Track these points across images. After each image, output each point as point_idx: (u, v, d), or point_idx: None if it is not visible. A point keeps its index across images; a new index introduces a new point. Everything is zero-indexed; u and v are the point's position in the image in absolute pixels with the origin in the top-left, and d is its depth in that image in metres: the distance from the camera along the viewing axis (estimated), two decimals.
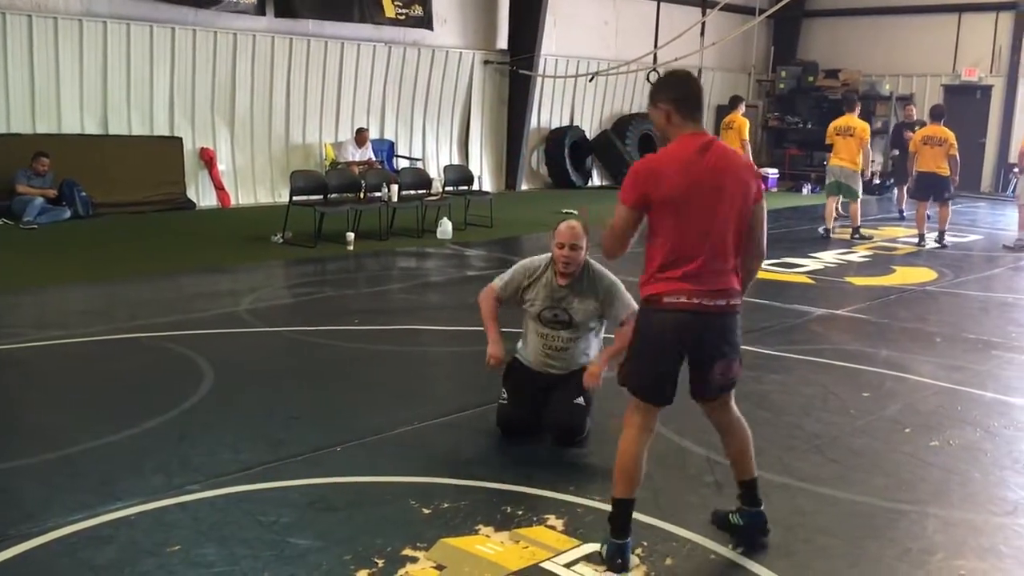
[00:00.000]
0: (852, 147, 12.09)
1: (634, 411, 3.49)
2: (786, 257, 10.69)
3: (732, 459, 3.70)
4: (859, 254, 11.09)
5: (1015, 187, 13.83)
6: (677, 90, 3.42)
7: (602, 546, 3.48)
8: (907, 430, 5.07)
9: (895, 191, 16.08)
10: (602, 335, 4.83)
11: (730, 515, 3.73)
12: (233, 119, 13.86)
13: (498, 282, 4.78)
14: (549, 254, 4.65)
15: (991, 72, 19.50)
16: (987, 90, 19.63)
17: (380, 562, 3.42)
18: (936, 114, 12.20)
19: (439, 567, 3.41)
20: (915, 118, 15.30)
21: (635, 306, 4.25)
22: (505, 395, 4.76)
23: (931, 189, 12.06)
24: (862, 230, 12.41)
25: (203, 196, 13.55)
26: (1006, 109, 19.42)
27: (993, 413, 5.42)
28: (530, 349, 4.76)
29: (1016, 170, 13.92)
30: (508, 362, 4.77)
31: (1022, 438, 5.03)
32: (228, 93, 13.72)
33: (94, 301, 7.86)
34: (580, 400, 4.61)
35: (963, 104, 19.21)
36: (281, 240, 10.65)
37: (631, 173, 3.41)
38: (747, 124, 14.01)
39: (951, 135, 11.94)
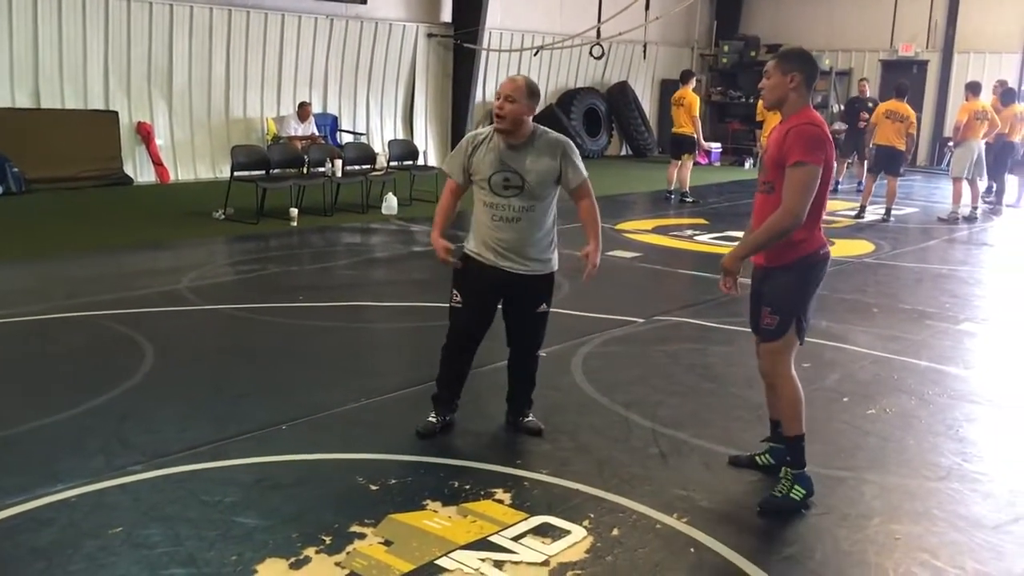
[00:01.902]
0: None
1: (789, 355, 3.87)
2: (728, 231, 10.84)
3: (768, 403, 4.18)
4: None
5: (950, 160, 14.16)
6: (812, 67, 3.82)
7: (796, 486, 3.81)
8: (845, 399, 5.19)
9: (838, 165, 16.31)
10: (555, 212, 4.37)
11: (758, 456, 4.19)
12: (171, 92, 13.56)
13: (447, 165, 4.42)
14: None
15: (927, 47, 19.88)
16: (923, 65, 20.02)
17: (328, 539, 3.42)
18: (900, 91, 12.35)
19: (387, 543, 3.41)
20: (868, 94, 15.49)
21: (586, 174, 4.33)
22: (459, 297, 4.36)
23: (886, 163, 12.27)
24: None
25: (141, 171, 13.27)
26: (941, 84, 19.83)
27: (927, 381, 5.58)
28: (480, 231, 4.30)
29: (951, 144, 14.24)
30: (460, 258, 4.37)
31: (955, 405, 5.18)
32: (165, 66, 13.41)
33: (29, 279, 7.66)
34: (544, 307, 4.42)
35: (900, 79, 19.53)
36: (222, 216, 10.48)
37: (811, 135, 3.66)
38: (698, 100, 13.42)
39: (913, 113, 12.17)
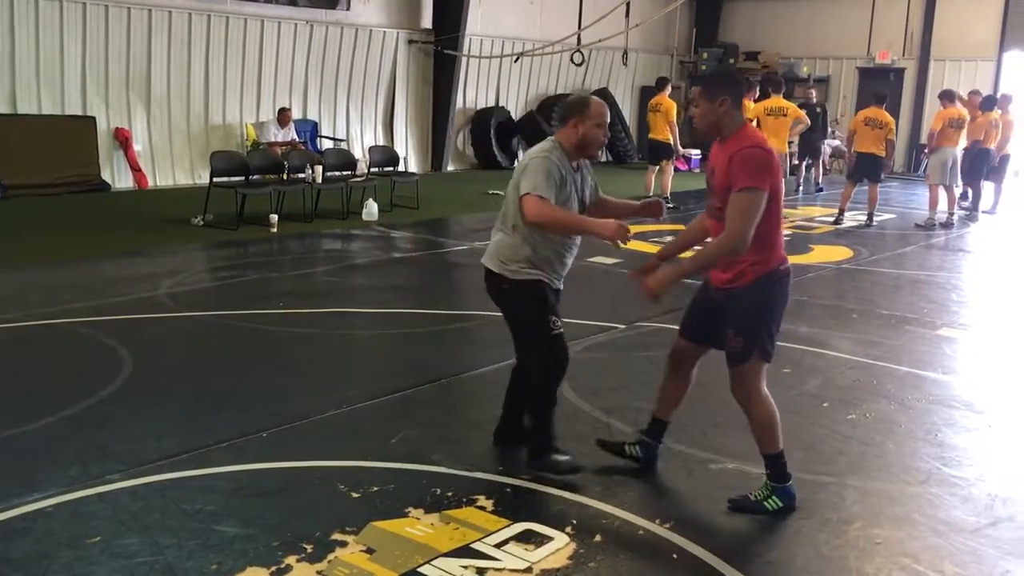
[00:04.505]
0: (785, 127, 12.54)
1: (759, 376, 3.85)
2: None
3: (659, 397, 4.24)
4: None
5: (926, 167, 14.30)
6: (738, 86, 3.79)
7: (772, 497, 3.81)
8: (826, 404, 5.21)
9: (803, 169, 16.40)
10: None
11: (628, 446, 4.22)
12: (149, 98, 13.48)
13: (544, 191, 3.93)
14: (549, 141, 4.15)
15: (904, 55, 20.06)
16: (900, 73, 20.19)
17: (309, 547, 3.39)
18: (879, 98, 12.48)
19: (369, 551, 3.39)
20: (815, 100, 15.81)
21: None
22: (559, 323, 4.22)
23: (867, 170, 12.37)
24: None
25: (119, 178, 13.17)
26: (918, 91, 20.01)
27: (907, 386, 5.61)
28: (549, 254, 4.13)
29: (927, 151, 14.37)
30: (537, 289, 4.17)
31: (934, 410, 5.21)
32: (143, 71, 13.33)
33: (6, 287, 7.58)
34: None
35: (877, 86, 19.62)
36: (201, 222, 10.42)
37: (756, 160, 3.58)
38: (675, 106, 13.41)
39: (891, 120, 12.29)
